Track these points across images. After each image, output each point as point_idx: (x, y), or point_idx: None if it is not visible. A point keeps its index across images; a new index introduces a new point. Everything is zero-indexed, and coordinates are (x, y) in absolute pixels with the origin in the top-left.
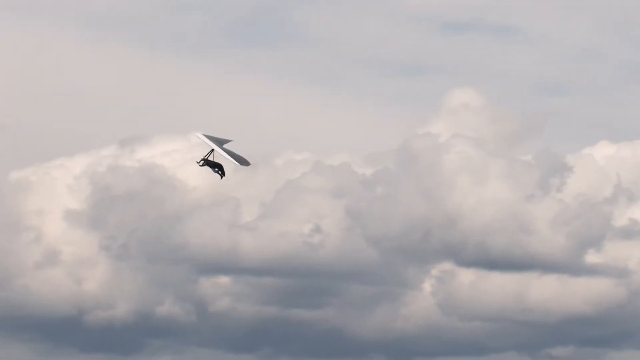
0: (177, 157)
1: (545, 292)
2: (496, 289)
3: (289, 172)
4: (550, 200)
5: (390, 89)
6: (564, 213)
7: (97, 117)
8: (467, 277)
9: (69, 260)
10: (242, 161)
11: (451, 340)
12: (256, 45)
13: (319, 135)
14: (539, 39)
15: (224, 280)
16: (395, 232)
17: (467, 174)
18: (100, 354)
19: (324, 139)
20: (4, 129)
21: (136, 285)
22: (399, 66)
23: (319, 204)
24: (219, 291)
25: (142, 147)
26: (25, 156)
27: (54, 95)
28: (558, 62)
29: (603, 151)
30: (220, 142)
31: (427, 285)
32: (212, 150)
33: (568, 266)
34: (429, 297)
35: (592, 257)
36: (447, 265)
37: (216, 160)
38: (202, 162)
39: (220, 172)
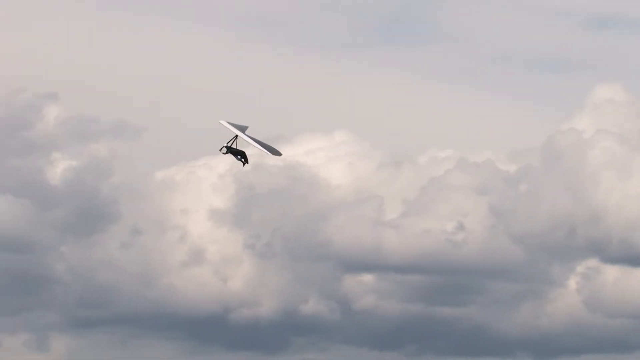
0: (320, 155)
1: None
2: None
3: (433, 169)
4: None
5: (534, 85)
6: None
7: (241, 116)
8: (612, 273)
9: (214, 258)
10: (274, 151)
11: (596, 338)
12: (399, 43)
13: (462, 133)
14: None
15: (368, 277)
16: (539, 229)
17: (611, 170)
18: (245, 352)
19: (468, 136)
20: (150, 129)
21: (280, 283)
22: (541, 62)
23: (463, 201)
24: (363, 289)
25: (286, 145)
26: (170, 156)
27: (198, 95)
28: None
29: None
30: (242, 130)
31: (572, 282)
32: (235, 137)
33: None
34: (574, 294)
35: None
36: (592, 262)
37: (240, 148)
38: (225, 149)
39: (243, 159)
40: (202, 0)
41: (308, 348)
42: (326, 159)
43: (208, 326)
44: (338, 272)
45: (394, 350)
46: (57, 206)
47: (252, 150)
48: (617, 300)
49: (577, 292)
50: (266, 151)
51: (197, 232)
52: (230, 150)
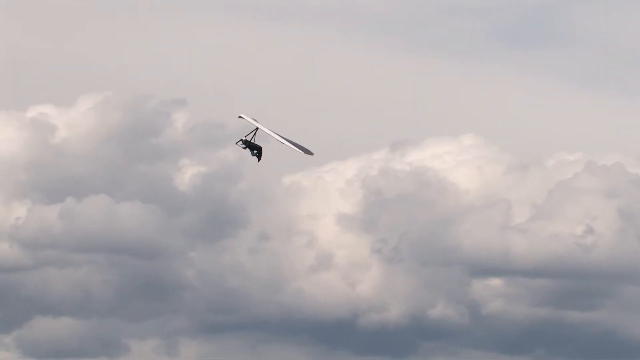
0: (448, 159)
1: None
2: None
3: (561, 172)
4: None
5: None
6: None
7: (368, 121)
8: None
9: (342, 263)
10: (305, 150)
11: None
12: (526, 46)
13: (591, 135)
14: None
15: (496, 282)
16: None
17: None
18: (373, 357)
19: (597, 139)
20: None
21: (408, 287)
22: None
23: (592, 204)
24: (491, 293)
25: (413, 150)
26: (297, 161)
27: (325, 100)
28: None
29: None
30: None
31: None
32: (255, 131)
33: None
34: None
35: None
36: None
37: (258, 142)
38: (243, 142)
39: (258, 154)
40: (332, 7)
41: (436, 352)
42: (454, 163)
43: (336, 331)
44: (466, 277)
45: (522, 355)
46: (185, 212)
47: (279, 146)
48: None
49: None
50: (297, 149)
51: (325, 237)
52: (248, 144)
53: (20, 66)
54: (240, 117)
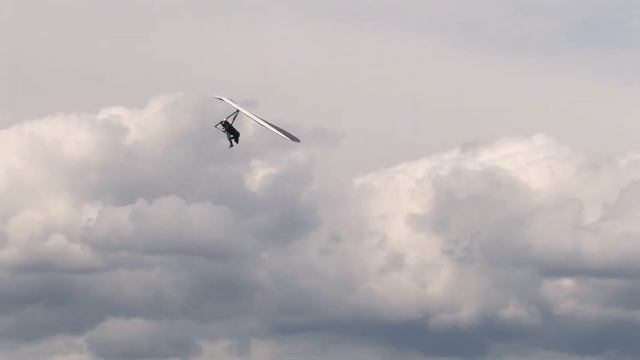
0: (519, 159)
1: None
2: None
3: (633, 172)
4: None
5: None
6: None
7: (440, 122)
8: None
9: (412, 264)
10: (292, 137)
11: None
12: (598, 45)
13: None
14: None
15: (567, 282)
16: None
17: None
18: (445, 357)
19: None
20: (348, 136)
21: (480, 288)
22: None
23: None
24: (563, 293)
25: (484, 150)
26: (368, 162)
27: (396, 101)
28: None
29: None
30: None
31: None
32: (236, 114)
33: None
34: None
35: None
36: None
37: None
38: (224, 124)
39: (234, 140)
40: (404, 9)
41: (508, 353)
42: (525, 163)
43: (407, 331)
44: (537, 277)
45: (594, 355)
46: (256, 213)
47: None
48: None
49: None
50: (283, 135)
51: (396, 237)
52: (229, 127)
53: (92, 69)
54: (218, 98)
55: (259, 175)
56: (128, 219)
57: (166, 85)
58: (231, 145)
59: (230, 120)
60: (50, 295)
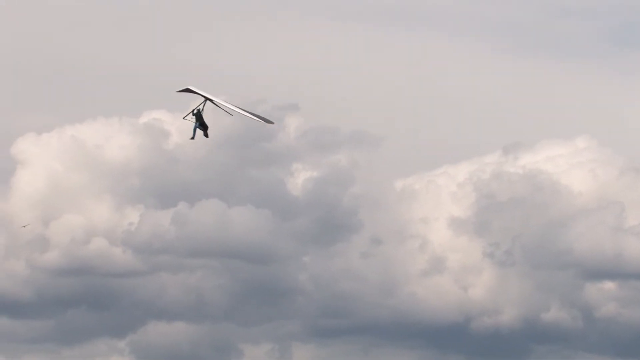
0: (561, 162)
1: None
2: None
3: None
4: None
5: None
6: None
7: (481, 124)
8: None
9: (454, 267)
10: (266, 120)
11: None
12: (636, 48)
13: None
14: None
15: (609, 285)
16: None
17: None
18: None
19: None
20: (389, 139)
21: (521, 291)
22: None
23: None
24: (605, 296)
25: (526, 153)
26: (409, 165)
27: (437, 103)
28: None
29: None
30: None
31: None
32: (204, 103)
33: None
34: None
35: None
36: None
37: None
38: (195, 114)
39: (204, 132)
40: (444, 11)
41: (549, 356)
42: (567, 166)
43: (448, 335)
44: (579, 280)
45: (636, 358)
46: (297, 216)
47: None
48: None
49: None
50: (258, 119)
51: (437, 240)
52: (199, 117)
53: (133, 72)
54: (185, 90)
55: (300, 178)
56: (169, 223)
57: (208, 88)
58: (192, 138)
59: (202, 112)
60: (92, 298)
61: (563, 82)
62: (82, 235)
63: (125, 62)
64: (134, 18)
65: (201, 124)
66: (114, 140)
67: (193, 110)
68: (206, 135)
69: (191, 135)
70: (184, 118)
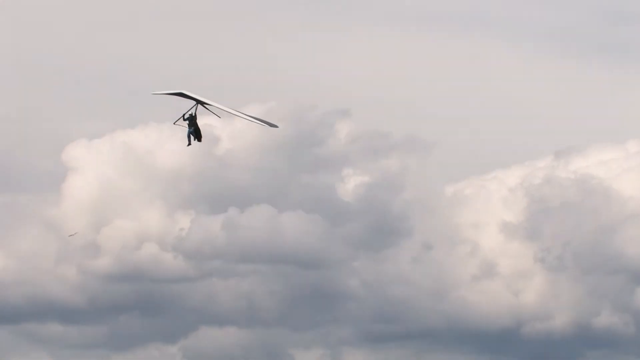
0: (613, 166)
1: None
2: None
3: None
4: None
5: None
6: None
7: (532, 129)
8: None
9: (505, 272)
10: (269, 123)
11: None
12: None
13: None
14: None
15: None
16: None
17: None
18: None
19: None
20: (441, 143)
21: (572, 296)
22: None
23: None
24: None
25: (578, 157)
26: (460, 169)
27: (488, 108)
28: None
29: None
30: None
31: None
32: (196, 107)
33: None
34: None
35: None
36: None
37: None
38: (188, 119)
39: (196, 139)
40: (497, 15)
41: None
42: (619, 171)
43: (500, 340)
44: (630, 285)
45: None
46: (348, 222)
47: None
48: None
49: None
50: (260, 123)
51: (488, 245)
52: (193, 123)
53: (185, 78)
54: (177, 93)
55: (351, 183)
56: (220, 228)
57: (259, 94)
58: (188, 145)
59: (195, 117)
60: (143, 304)
61: (614, 86)
62: (133, 241)
63: (176, 68)
64: (186, 25)
65: (195, 130)
66: (165, 146)
67: (184, 115)
68: (199, 140)
69: (187, 143)
70: (174, 123)
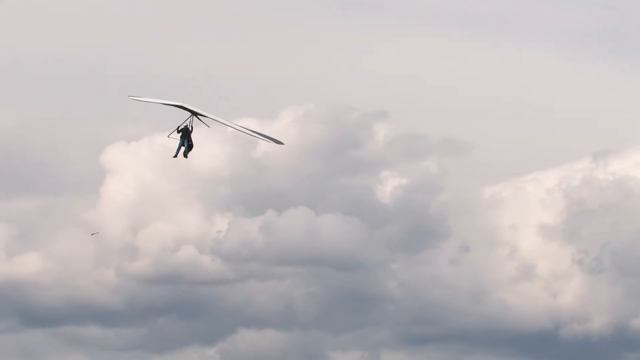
0: None
1: None
2: None
3: None
4: None
5: None
6: None
7: (570, 131)
8: None
9: (543, 274)
10: (275, 140)
11: None
12: None
13: None
14: None
15: None
16: None
17: None
18: None
19: None
20: (478, 145)
21: (611, 298)
22: None
23: None
24: None
25: (616, 159)
26: (498, 171)
27: (526, 110)
28: None
29: None
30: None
31: None
32: (191, 118)
33: None
34: None
35: None
36: None
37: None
38: (182, 130)
39: (186, 150)
40: (534, 16)
41: None
42: None
43: (538, 342)
44: None
45: None
46: (386, 224)
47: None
48: None
49: None
50: (267, 139)
51: (526, 247)
52: (186, 135)
53: (222, 81)
54: (182, 107)
55: (389, 186)
56: (257, 231)
57: (297, 96)
58: (175, 156)
59: (190, 128)
60: (181, 306)
61: None
62: (171, 243)
63: (214, 72)
64: (223, 27)
65: (188, 143)
66: (203, 149)
67: (179, 127)
68: (185, 155)
69: (174, 154)
70: (168, 136)
